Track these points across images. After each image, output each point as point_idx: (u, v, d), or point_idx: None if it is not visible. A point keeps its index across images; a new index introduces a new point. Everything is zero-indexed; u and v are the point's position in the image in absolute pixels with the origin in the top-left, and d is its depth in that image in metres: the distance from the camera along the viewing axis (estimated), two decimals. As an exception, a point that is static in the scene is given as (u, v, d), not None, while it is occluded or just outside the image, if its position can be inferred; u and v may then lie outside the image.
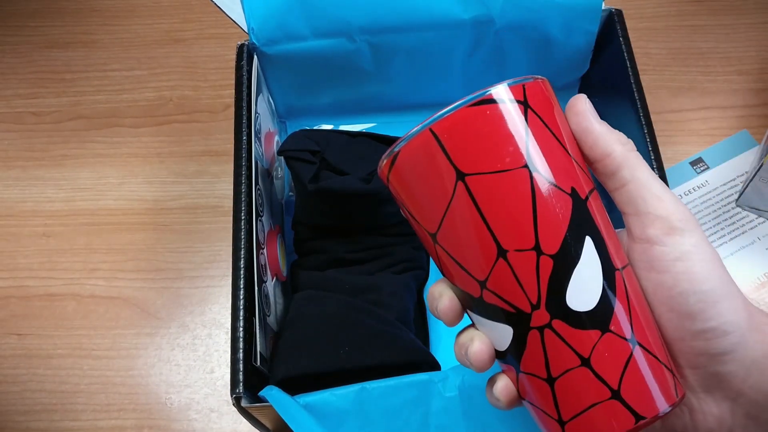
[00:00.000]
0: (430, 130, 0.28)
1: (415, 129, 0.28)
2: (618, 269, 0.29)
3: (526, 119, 0.28)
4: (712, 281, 0.28)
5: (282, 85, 0.63)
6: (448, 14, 0.58)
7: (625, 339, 0.28)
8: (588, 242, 0.28)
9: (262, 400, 0.43)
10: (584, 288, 0.28)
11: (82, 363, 0.59)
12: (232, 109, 0.54)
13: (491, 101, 0.28)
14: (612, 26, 0.57)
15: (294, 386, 0.45)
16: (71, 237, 0.65)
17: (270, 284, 0.53)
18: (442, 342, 0.58)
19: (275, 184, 0.59)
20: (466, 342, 0.31)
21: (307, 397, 0.43)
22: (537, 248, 0.27)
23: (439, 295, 0.31)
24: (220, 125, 0.70)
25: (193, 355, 0.60)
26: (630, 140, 0.30)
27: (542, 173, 0.28)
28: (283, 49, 0.59)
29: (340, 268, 0.54)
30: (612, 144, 0.29)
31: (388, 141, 0.56)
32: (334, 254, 0.54)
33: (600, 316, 0.28)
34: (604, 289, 0.28)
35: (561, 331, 0.28)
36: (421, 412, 0.44)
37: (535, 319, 0.28)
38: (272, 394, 0.43)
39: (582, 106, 0.30)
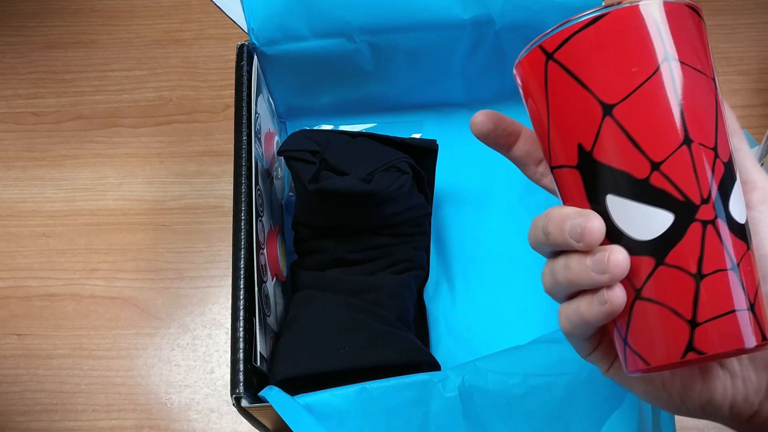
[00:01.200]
0: (642, 8, 0.29)
1: (619, 5, 0.29)
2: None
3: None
4: None
5: (282, 85, 0.63)
6: (448, 14, 0.58)
7: (755, 266, 0.29)
8: (736, 168, 0.30)
9: (262, 400, 0.43)
10: (739, 203, 0.29)
11: (82, 363, 0.59)
12: (232, 110, 0.54)
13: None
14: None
15: (294, 386, 0.45)
16: (71, 237, 0.65)
17: (270, 284, 0.53)
18: (442, 342, 0.58)
19: (275, 184, 0.59)
20: (576, 217, 0.29)
21: (307, 397, 0.43)
22: (716, 150, 0.29)
23: (576, 213, 0.29)
24: (220, 125, 0.70)
25: (193, 356, 0.60)
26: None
27: (720, 92, 0.30)
28: (283, 50, 0.59)
29: (340, 268, 0.54)
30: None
31: (388, 141, 0.56)
32: (334, 254, 0.54)
33: (747, 233, 0.29)
34: (746, 213, 0.30)
35: (722, 230, 0.28)
36: (421, 412, 0.44)
37: (702, 212, 0.28)
38: (272, 394, 0.43)
39: None
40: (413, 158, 0.55)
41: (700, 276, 0.28)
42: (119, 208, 0.66)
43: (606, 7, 0.29)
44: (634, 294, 0.29)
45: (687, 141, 0.28)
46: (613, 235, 0.29)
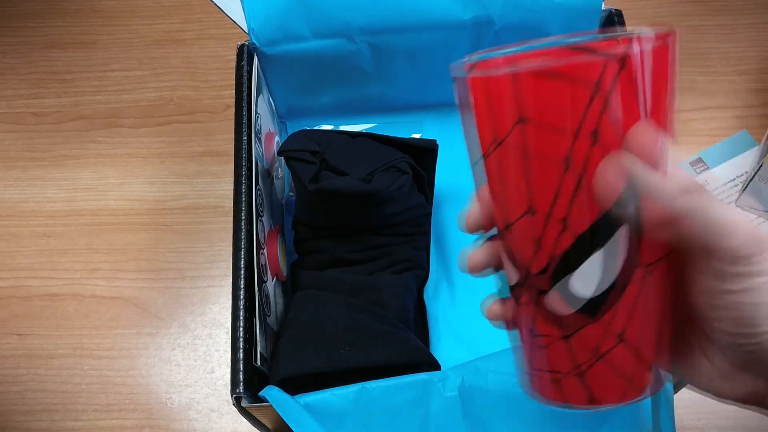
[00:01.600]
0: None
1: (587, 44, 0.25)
2: (643, 264, 0.28)
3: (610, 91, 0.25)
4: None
5: (282, 86, 0.63)
6: (448, 15, 0.58)
7: (610, 336, 0.29)
8: (615, 235, 0.27)
9: (262, 400, 0.43)
10: (589, 277, 0.28)
11: (82, 363, 0.59)
12: (233, 110, 0.54)
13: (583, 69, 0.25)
14: (612, 26, 0.57)
15: (294, 386, 0.45)
16: (72, 237, 0.65)
17: (270, 284, 0.53)
18: (442, 342, 0.58)
19: (275, 184, 0.60)
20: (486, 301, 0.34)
21: (307, 397, 0.43)
22: (556, 223, 0.27)
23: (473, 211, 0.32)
24: (221, 125, 0.70)
25: (194, 355, 0.60)
26: (695, 186, 0.26)
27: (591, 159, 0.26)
28: (283, 50, 0.59)
29: (340, 268, 0.54)
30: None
31: (388, 141, 0.56)
32: (334, 254, 0.54)
33: (592, 307, 0.28)
34: (606, 286, 0.28)
35: (551, 303, 0.29)
36: (421, 412, 0.44)
37: (532, 282, 0.29)
38: (272, 394, 0.43)
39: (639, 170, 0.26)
40: (413, 158, 0.55)
41: (532, 336, 0.31)
42: (120, 208, 0.66)
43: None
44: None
45: (525, 214, 0.27)
46: None
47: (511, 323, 0.33)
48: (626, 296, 0.28)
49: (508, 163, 0.27)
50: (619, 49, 0.24)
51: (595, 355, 0.29)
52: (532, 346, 0.31)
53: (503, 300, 0.33)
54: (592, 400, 0.30)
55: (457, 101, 0.31)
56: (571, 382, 0.30)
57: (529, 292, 0.29)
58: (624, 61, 0.24)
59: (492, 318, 0.34)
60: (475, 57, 0.28)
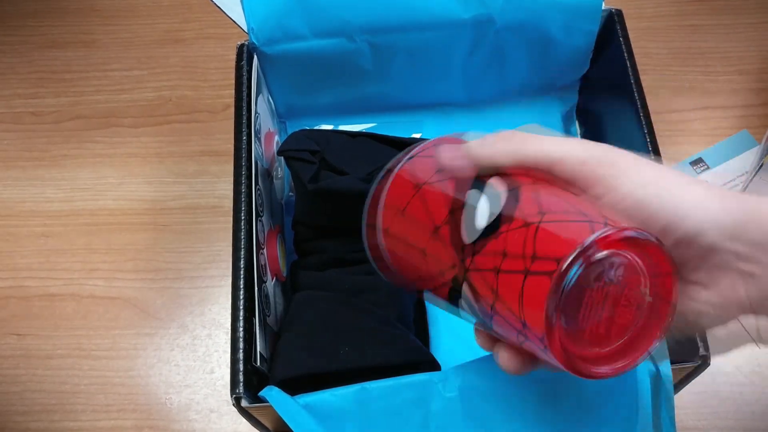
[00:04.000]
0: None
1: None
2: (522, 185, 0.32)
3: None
4: (657, 201, 0.29)
5: (282, 85, 0.63)
6: (448, 14, 0.58)
7: (526, 223, 0.30)
8: (487, 189, 0.33)
9: (262, 400, 0.43)
10: (471, 222, 0.32)
11: (81, 363, 0.59)
12: (232, 109, 0.54)
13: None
14: (612, 26, 0.57)
15: (294, 386, 0.45)
16: (71, 237, 0.65)
17: (270, 284, 0.53)
18: (442, 342, 0.57)
19: (275, 184, 0.59)
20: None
21: (307, 397, 0.43)
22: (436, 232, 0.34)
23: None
24: (220, 125, 0.70)
25: (193, 356, 0.60)
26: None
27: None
28: (283, 49, 0.59)
29: (340, 268, 0.54)
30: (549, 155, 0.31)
31: (388, 141, 0.56)
32: (334, 254, 0.54)
33: (491, 229, 0.31)
34: (490, 214, 0.32)
35: (479, 259, 0.31)
36: (421, 412, 0.44)
37: (465, 268, 0.31)
38: (272, 394, 0.43)
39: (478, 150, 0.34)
40: (413, 158, 0.55)
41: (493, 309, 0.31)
42: (119, 208, 0.66)
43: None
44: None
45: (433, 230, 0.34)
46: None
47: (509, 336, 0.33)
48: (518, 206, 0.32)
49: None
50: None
51: (529, 247, 0.30)
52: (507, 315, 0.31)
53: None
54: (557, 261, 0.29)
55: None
56: (535, 280, 0.29)
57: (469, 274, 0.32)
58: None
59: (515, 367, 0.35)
60: None
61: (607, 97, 0.60)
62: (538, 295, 0.28)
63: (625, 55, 0.56)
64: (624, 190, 0.29)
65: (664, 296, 0.30)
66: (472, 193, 0.33)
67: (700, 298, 0.31)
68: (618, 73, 0.56)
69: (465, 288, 0.32)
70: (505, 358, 0.33)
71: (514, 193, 0.32)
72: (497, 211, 0.31)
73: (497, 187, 0.33)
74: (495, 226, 0.31)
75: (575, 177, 0.31)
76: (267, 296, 0.51)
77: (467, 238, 0.32)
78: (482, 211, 0.32)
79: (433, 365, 0.50)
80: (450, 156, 0.35)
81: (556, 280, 0.27)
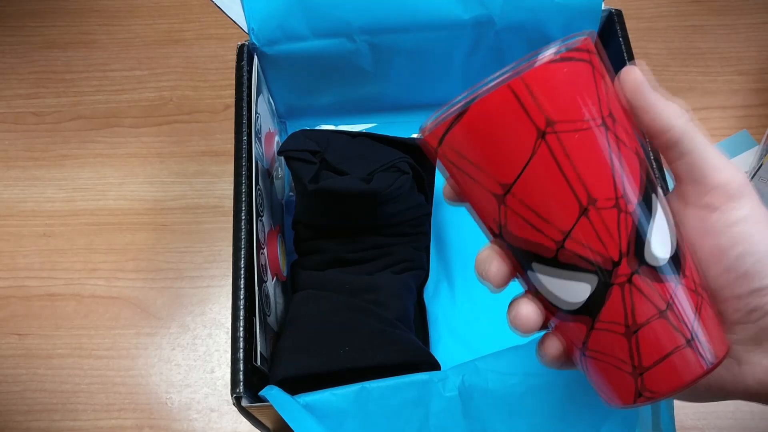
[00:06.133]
0: (509, 86, 0.27)
1: (483, 89, 0.28)
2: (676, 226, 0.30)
3: (602, 77, 0.29)
4: (758, 248, 0.29)
5: (282, 85, 0.63)
6: (448, 15, 0.58)
7: (696, 286, 0.29)
8: (655, 198, 0.29)
9: (262, 399, 0.43)
10: (662, 238, 0.29)
11: (82, 363, 0.59)
12: (232, 109, 0.54)
13: (573, 59, 0.28)
14: (612, 26, 0.57)
15: (294, 386, 0.45)
16: (71, 237, 0.65)
17: (270, 284, 0.53)
18: (442, 342, 0.58)
19: (275, 184, 0.60)
20: (515, 309, 0.31)
21: (307, 397, 0.43)
22: (618, 203, 0.28)
23: (487, 258, 0.31)
24: (221, 125, 0.70)
25: (194, 355, 0.60)
26: (687, 109, 0.31)
27: (618, 129, 0.28)
28: (283, 50, 0.59)
29: (340, 268, 0.54)
30: (671, 119, 0.30)
31: (388, 141, 0.56)
32: (334, 254, 0.54)
33: (675, 267, 0.29)
34: (675, 239, 0.29)
35: (643, 284, 0.28)
36: (421, 412, 0.44)
37: (618, 273, 0.28)
38: (272, 393, 0.43)
39: (635, 81, 0.30)
40: (413, 158, 0.55)
41: (631, 332, 0.29)
42: (119, 208, 0.66)
43: (476, 91, 0.29)
44: (579, 352, 0.31)
45: (584, 211, 0.28)
46: (547, 301, 0.31)
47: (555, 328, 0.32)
48: (683, 240, 0.30)
49: (544, 178, 0.28)
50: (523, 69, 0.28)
51: (697, 310, 0.29)
52: (631, 345, 0.29)
53: (549, 335, 0.32)
54: (710, 360, 0.29)
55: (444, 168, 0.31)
56: (687, 353, 0.29)
57: (616, 287, 0.28)
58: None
59: (529, 329, 0.31)
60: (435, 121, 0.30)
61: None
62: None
63: (625, 55, 0.56)
64: (720, 224, 0.29)
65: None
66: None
67: (751, 360, 0.30)
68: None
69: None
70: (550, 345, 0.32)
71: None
72: (674, 244, 0.29)
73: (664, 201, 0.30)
74: (674, 262, 0.29)
75: (683, 170, 0.30)
76: (267, 296, 0.51)
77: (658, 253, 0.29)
78: (662, 233, 0.29)
79: (433, 365, 0.50)
80: (639, 82, 0.30)
81: None
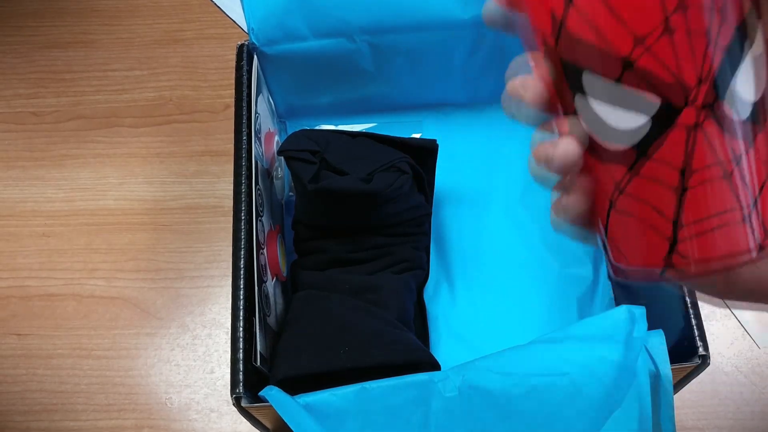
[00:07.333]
0: None
1: None
2: None
3: None
4: None
5: (282, 85, 0.63)
6: (448, 14, 0.58)
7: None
8: (754, 30, 0.24)
9: (262, 400, 0.43)
10: (748, 80, 0.24)
11: (82, 363, 0.59)
12: (232, 109, 0.54)
13: None
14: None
15: (294, 386, 0.45)
16: (71, 237, 0.65)
17: (270, 284, 0.53)
18: (442, 342, 0.58)
19: (275, 184, 0.59)
20: (550, 143, 0.26)
21: (307, 397, 0.43)
22: (712, 14, 0.23)
23: (524, 80, 0.26)
24: (220, 125, 0.70)
25: (193, 355, 0.60)
26: None
27: None
28: (283, 49, 0.59)
29: (340, 268, 0.54)
30: None
31: (388, 141, 0.56)
32: (334, 254, 0.54)
33: (755, 116, 0.24)
34: (762, 90, 0.24)
35: (713, 128, 0.24)
36: (421, 412, 0.44)
37: (689, 103, 0.24)
38: (272, 394, 0.43)
39: None
40: (413, 158, 0.55)
41: (683, 186, 0.24)
42: (119, 208, 0.66)
43: None
44: (609, 203, 0.26)
45: (674, 11, 0.22)
46: (585, 134, 0.26)
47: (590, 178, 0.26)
48: None
49: None
50: None
51: (764, 184, 0.24)
52: (679, 199, 0.24)
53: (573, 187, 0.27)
54: (763, 246, 0.25)
55: None
56: (739, 228, 0.24)
57: (680, 124, 0.24)
58: None
59: (567, 161, 0.25)
60: None
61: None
62: None
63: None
64: None
65: None
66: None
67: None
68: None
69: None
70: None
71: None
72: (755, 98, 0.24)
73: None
74: (755, 113, 0.24)
75: None
76: (267, 296, 0.51)
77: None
78: (748, 77, 0.24)
79: (433, 365, 0.50)
80: None
81: None
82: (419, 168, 0.55)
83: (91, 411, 0.57)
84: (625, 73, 0.24)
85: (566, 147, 0.25)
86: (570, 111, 0.26)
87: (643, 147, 0.24)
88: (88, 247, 0.64)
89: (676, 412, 0.43)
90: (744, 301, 0.28)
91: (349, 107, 0.66)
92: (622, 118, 0.24)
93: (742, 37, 0.23)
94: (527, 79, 0.26)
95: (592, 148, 0.26)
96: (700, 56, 0.23)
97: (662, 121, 0.24)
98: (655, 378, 0.42)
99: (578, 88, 0.25)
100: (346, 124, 0.67)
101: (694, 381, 0.47)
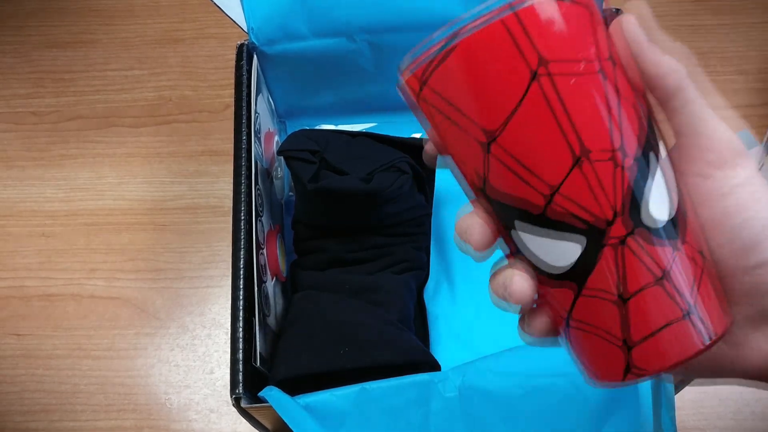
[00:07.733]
0: (503, 22, 0.25)
1: (467, 26, 0.26)
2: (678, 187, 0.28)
3: (600, 25, 0.27)
4: (765, 213, 0.26)
5: (282, 85, 0.63)
6: (448, 14, 0.58)
7: (697, 254, 0.27)
8: (655, 156, 0.26)
9: (261, 400, 0.43)
10: (661, 198, 0.26)
11: (81, 363, 0.59)
12: (232, 109, 0.54)
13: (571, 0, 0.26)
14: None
15: (294, 386, 0.45)
16: (70, 237, 0.65)
17: (270, 284, 0.52)
18: (442, 342, 0.57)
19: (275, 184, 0.59)
20: (504, 280, 0.28)
21: (307, 397, 0.43)
22: (614, 156, 0.25)
23: (469, 220, 0.28)
24: (220, 125, 0.70)
25: (193, 356, 0.60)
26: (689, 57, 0.27)
27: (617, 78, 0.26)
28: (283, 49, 0.59)
29: (340, 268, 0.54)
30: (668, 68, 0.27)
31: (388, 141, 0.56)
32: (334, 254, 0.54)
33: (674, 231, 0.26)
34: (676, 201, 0.26)
35: (638, 246, 0.26)
36: (421, 412, 0.44)
37: (611, 234, 0.26)
38: (272, 394, 0.43)
39: (632, 32, 0.27)
40: (413, 158, 0.55)
41: (623, 300, 0.26)
42: (119, 208, 0.66)
43: (462, 25, 0.26)
44: (564, 322, 0.28)
45: (576, 162, 0.25)
46: (531, 264, 0.28)
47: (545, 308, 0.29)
48: (687, 204, 0.27)
49: (534, 125, 0.25)
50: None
51: (696, 281, 0.26)
52: (622, 314, 0.26)
53: (535, 309, 0.29)
54: (709, 336, 0.26)
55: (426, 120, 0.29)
56: (683, 328, 0.26)
57: (608, 249, 0.26)
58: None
59: (525, 300, 0.28)
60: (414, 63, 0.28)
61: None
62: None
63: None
64: (724, 185, 0.26)
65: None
66: None
67: (750, 344, 0.28)
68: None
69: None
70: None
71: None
72: (674, 210, 0.27)
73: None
74: (674, 225, 0.26)
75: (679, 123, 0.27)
76: (267, 296, 0.51)
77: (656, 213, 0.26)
78: (662, 192, 0.26)
79: (433, 365, 0.50)
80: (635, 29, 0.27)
81: None
82: (419, 168, 0.55)
83: (91, 411, 0.57)
84: (546, 214, 0.26)
85: (520, 285, 0.28)
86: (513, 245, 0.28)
87: (580, 273, 0.27)
88: (88, 247, 0.64)
89: (676, 412, 0.43)
90: (709, 378, 0.30)
91: (349, 107, 0.66)
92: (552, 253, 0.27)
93: (645, 167, 0.26)
94: (472, 224, 0.28)
95: (540, 276, 0.28)
96: (611, 192, 0.25)
97: (588, 252, 0.26)
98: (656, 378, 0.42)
99: (511, 226, 0.28)
100: (346, 124, 0.67)
101: (694, 381, 0.47)
